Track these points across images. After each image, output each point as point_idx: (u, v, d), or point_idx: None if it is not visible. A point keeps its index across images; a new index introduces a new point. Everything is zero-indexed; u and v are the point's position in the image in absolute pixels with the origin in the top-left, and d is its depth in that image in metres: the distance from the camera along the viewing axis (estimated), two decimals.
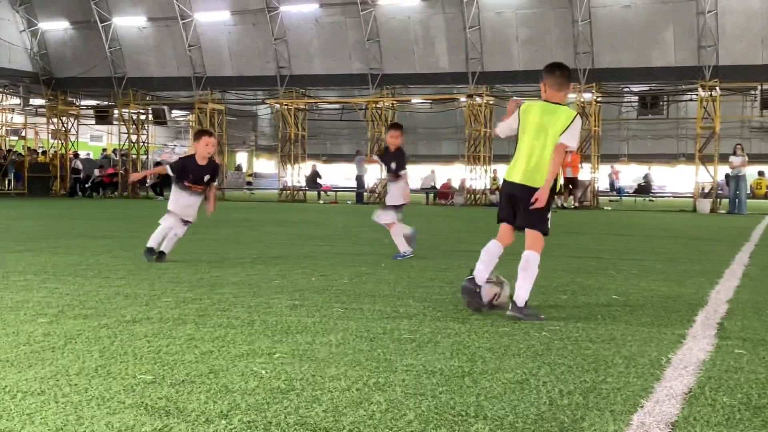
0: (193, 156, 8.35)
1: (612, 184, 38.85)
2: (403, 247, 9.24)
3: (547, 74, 5.46)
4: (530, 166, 5.37)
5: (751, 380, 3.72)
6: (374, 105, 32.52)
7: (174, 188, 8.34)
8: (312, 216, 20.87)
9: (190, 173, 8.21)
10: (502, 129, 5.66)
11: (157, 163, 39.22)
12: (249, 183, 46.24)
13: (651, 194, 36.23)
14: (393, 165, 9.44)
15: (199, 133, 8.58)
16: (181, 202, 8.27)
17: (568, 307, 5.80)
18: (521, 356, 4.15)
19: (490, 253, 5.54)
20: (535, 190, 5.37)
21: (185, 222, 8.34)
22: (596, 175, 29.97)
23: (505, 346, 4.40)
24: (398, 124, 10.06)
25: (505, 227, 5.63)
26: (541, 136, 5.35)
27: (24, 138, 34.76)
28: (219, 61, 41.54)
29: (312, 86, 39.57)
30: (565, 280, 7.38)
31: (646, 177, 37.77)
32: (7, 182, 33.82)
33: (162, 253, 8.28)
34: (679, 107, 36.60)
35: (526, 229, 5.51)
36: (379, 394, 3.40)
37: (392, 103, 33.50)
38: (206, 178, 8.27)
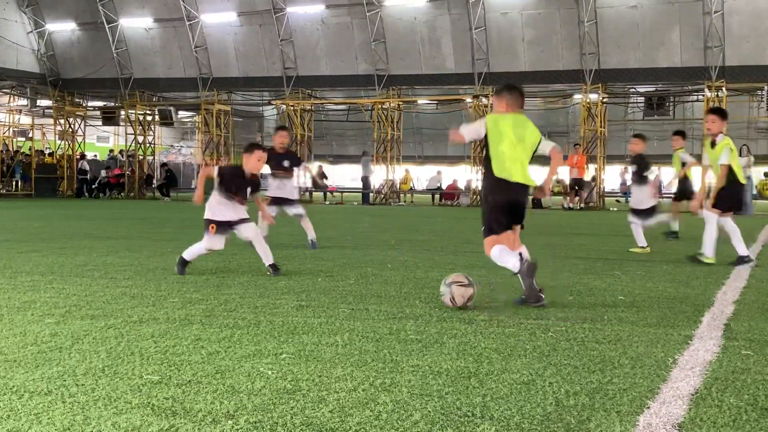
0: (241, 168, 7.70)
1: (624, 184, 38.67)
2: (312, 234, 10.48)
3: (510, 95, 6.03)
4: (523, 169, 5.80)
5: (758, 381, 3.71)
6: (380, 106, 32.54)
7: (215, 194, 7.62)
8: (318, 217, 20.87)
9: (234, 185, 7.58)
10: (469, 134, 5.90)
11: (164, 164, 39.31)
12: None
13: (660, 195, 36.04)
14: (286, 163, 10.35)
15: (253, 147, 7.82)
16: (223, 211, 7.57)
17: (574, 307, 5.79)
18: (527, 357, 4.15)
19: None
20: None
21: (227, 226, 7.63)
22: (602, 176, 29.93)
23: (511, 346, 4.40)
24: (285, 126, 11.20)
25: (508, 234, 5.88)
26: (519, 145, 5.79)
27: (31, 139, 34.89)
28: (225, 62, 41.56)
29: (318, 87, 39.57)
30: (572, 280, 7.37)
31: (656, 178, 37.66)
32: (14, 183, 33.94)
33: (185, 261, 7.67)
34: (685, 108, 36.49)
35: (517, 227, 5.95)
36: (386, 394, 3.40)
37: (398, 104, 33.52)
38: (249, 191, 7.75)
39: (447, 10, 37.37)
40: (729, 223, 9.03)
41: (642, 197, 11.22)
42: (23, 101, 41.42)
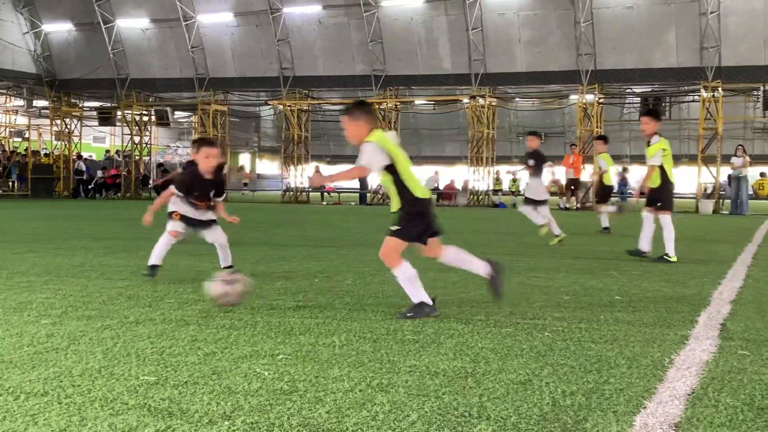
0: (197, 169, 7.17)
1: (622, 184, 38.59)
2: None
3: (368, 113, 5.67)
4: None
5: (755, 381, 3.71)
6: (378, 106, 32.56)
7: (177, 198, 7.35)
8: (315, 217, 20.87)
9: (195, 190, 7.11)
10: (377, 163, 5.46)
11: (160, 165, 39.31)
12: (245, 184, 46.33)
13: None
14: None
15: (198, 143, 7.26)
16: (188, 208, 7.26)
17: (570, 307, 5.80)
18: (524, 357, 4.15)
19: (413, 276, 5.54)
20: None
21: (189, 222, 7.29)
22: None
23: (508, 346, 4.40)
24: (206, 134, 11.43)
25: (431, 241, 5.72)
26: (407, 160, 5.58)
27: (27, 139, 34.83)
28: (222, 62, 41.53)
29: (315, 87, 39.56)
30: (568, 281, 7.37)
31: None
32: (10, 184, 33.91)
33: (155, 266, 7.21)
34: (681, 108, 36.55)
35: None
36: (383, 395, 3.40)
37: (395, 105, 33.53)
38: (212, 193, 7.18)
39: (444, 10, 37.39)
40: (649, 219, 9.66)
41: (538, 188, 12.37)
42: (19, 102, 41.40)
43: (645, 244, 9.59)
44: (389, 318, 5.25)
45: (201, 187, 7.11)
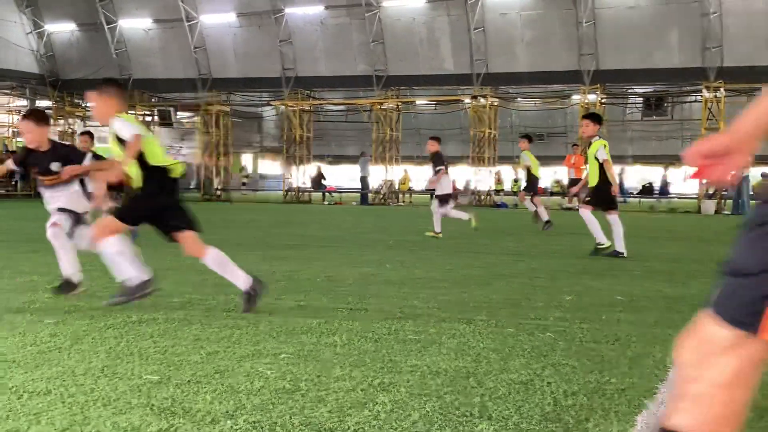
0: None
1: (621, 185, 38.51)
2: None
3: (121, 94, 5.62)
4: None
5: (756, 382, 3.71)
6: (379, 106, 32.57)
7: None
8: (317, 217, 20.88)
9: (30, 164, 6.52)
10: (136, 132, 5.29)
11: None
12: (244, 183, 46.33)
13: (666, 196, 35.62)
14: (54, 165, 9.72)
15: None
16: (45, 198, 6.54)
17: (572, 308, 5.80)
18: (526, 357, 4.16)
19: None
20: None
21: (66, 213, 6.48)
22: None
23: (510, 346, 4.41)
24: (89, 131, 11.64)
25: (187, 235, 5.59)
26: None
27: None
28: (224, 62, 41.51)
29: (317, 88, 39.56)
30: (570, 281, 7.38)
31: (663, 178, 37.32)
32: (13, 184, 33.95)
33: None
34: (683, 108, 36.47)
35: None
36: (384, 394, 3.41)
37: (397, 105, 33.55)
38: (55, 165, 6.34)
39: (446, 10, 37.36)
40: (615, 220, 10.14)
41: (443, 185, 13.27)
42: (23, 102, 41.42)
43: (619, 244, 9.97)
44: (391, 317, 5.26)
45: (36, 161, 6.43)
